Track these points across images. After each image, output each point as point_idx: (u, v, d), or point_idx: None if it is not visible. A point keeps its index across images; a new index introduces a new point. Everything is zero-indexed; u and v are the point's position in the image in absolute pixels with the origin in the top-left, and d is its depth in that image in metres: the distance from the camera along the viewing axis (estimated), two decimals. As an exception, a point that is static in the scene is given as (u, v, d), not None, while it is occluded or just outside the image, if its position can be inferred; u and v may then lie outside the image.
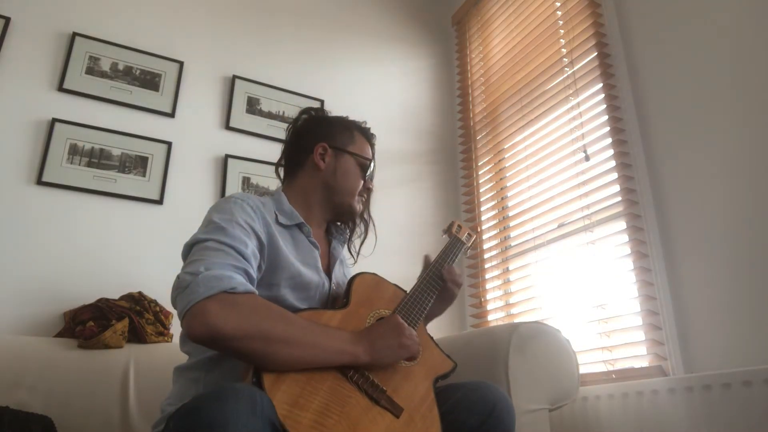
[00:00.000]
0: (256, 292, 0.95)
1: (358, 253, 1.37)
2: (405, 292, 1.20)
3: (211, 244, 0.97)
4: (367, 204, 1.37)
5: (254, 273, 1.01)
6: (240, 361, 0.93)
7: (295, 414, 0.83)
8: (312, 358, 0.91)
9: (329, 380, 0.92)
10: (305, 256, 1.16)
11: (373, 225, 1.40)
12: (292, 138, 1.33)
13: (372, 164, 1.31)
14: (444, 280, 1.26)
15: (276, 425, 0.79)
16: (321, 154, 1.26)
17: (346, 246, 1.36)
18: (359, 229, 1.38)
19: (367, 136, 1.35)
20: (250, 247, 1.01)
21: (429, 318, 1.31)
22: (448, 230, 1.41)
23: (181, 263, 1.00)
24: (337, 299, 1.17)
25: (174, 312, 1.54)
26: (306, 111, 1.35)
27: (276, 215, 1.16)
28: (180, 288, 0.91)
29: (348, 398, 0.91)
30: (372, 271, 1.22)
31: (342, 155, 1.27)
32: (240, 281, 0.92)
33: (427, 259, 1.34)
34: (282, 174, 1.34)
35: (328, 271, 1.23)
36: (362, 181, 1.29)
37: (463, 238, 1.39)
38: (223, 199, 1.12)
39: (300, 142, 1.30)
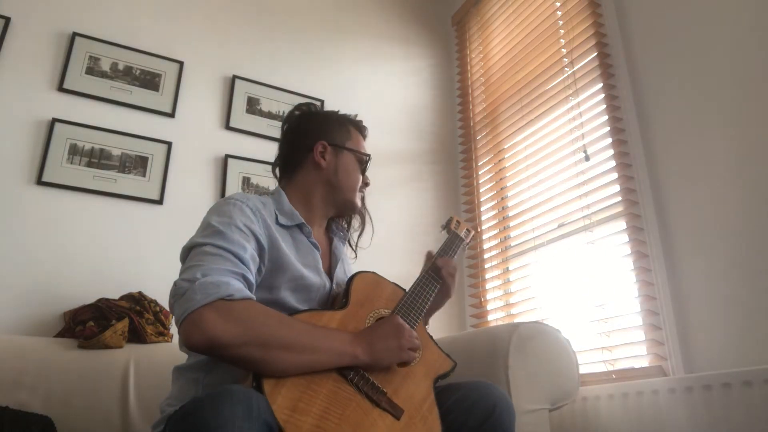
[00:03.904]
0: (254, 298, 0.95)
1: (357, 246, 1.37)
2: (404, 290, 1.20)
3: (209, 249, 0.96)
4: (364, 198, 1.38)
5: (252, 278, 1.00)
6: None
7: (295, 419, 0.83)
8: (312, 362, 0.91)
9: (329, 383, 0.91)
10: (306, 257, 1.15)
11: (370, 217, 1.39)
12: (288, 136, 1.32)
13: (369, 158, 1.32)
14: (439, 272, 1.25)
15: (273, 427, 0.78)
16: (321, 153, 1.25)
17: (347, 242, 1.36)
18: (356, 222, 1.38)
19: (361, 129, 1.35)
20: (249, 251, 1.00)
21: (429, 313, 1.30)
22: (446, 226, 1.41)
23: (180, 265, 1.00)
24: (336, 299, 1.17)
25: (174, 312, 1.54)
26: (298, 107, 1.34)
27: (276, 216, 1.15)
28: (177, 295, 0.90)
29: (348, 401, 0.91)
30: (371, 270, 1.22)
31: (341, 152, 1.27)
32: (237, 287, 0.92)
33: (429, 255, 1.34)
34: (279, 173, 1.33)
35: (330, 272, 1.23)
36: (361, 177, 1.30)
37: (462, 233, 1.39)
38: (222, 201, 1.10)
39: (298, 140, 1.29)
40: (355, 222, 1.39)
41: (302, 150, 1.27)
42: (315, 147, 1.25)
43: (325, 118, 1.33)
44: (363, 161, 1.30)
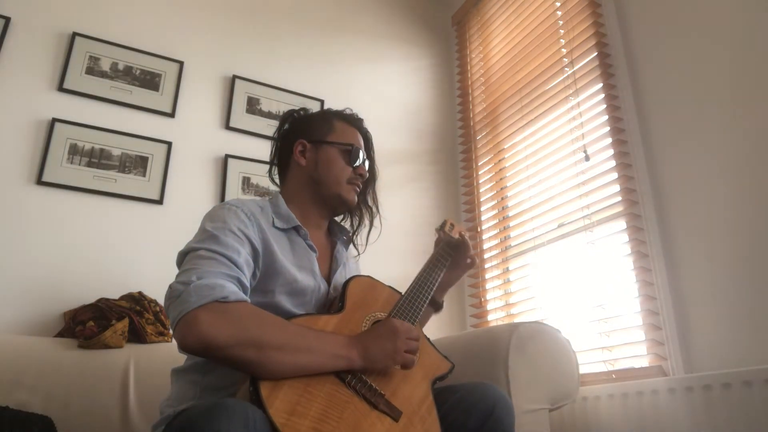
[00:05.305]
0: (249, 301, 0.95)
1: (366, 243, 1.35)
2: (400, 294, 1.19)
3: (203, 253, 0.97)
4: (365, 192, 1.34)
5: (247, 281, 1.00)
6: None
7: (293, 422, 0.82)
8: (306, 364, 0.91)
9: (327, 386, 0.91)
10: (301, 260, 1.15)
11: (378, 212, 1.37)
12: (276, 142, 1.33)
13: (355, 148, 1.25)
14: (447, 249, 1.31)
15: None
16: (301, 151, 1.25)
17: (351, 245, 1.35)
18: (365, 220, 1.35)
19: (350, 121, 1.31)
20: (243, 255, 1.01)
21: (446, 287, 1.35)
22: (440, 229, 1.41)
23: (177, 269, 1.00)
24: (333, 304, 1.16)
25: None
26: (290, 114, 1.33)
27: (273, 219, 1.15)
28: (172, 297, 0.90)
29: (346, 404, 0.91)
30: (367, 274, 1.22)
31: (321, 147, 1.25)
32: (232, 290, 0.92)
33: (438, 240, 1.38)
34: (278, 179, 1.34)
35: (328, 275, 1.22)
36: (350, 168, 1.25)
37: (456, 237, 1.39)
38: (217, 206, 1.11)
39: (282, 144, 1.31)
40: (357, 219, 1.37)
41: (286, 153, 1.28)
42: (294, 147, 1.25)
43: (306, 117, 1.32)
44: (349, 152, 1.25)
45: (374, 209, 1.37)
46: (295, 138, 1.27)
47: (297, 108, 1.35)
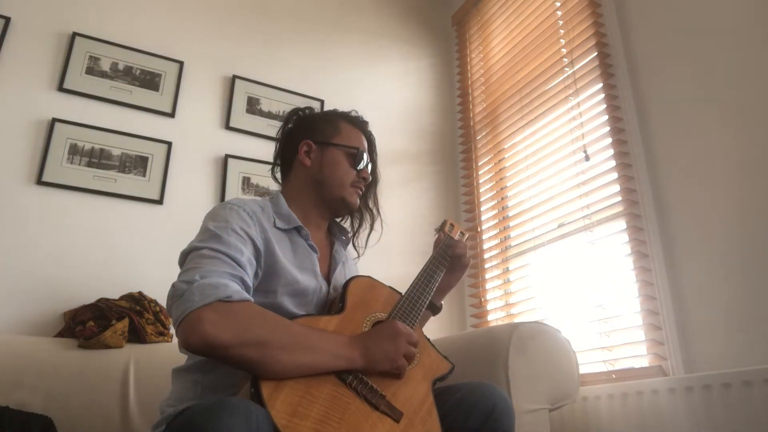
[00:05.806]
0: (252, 300, 0.95)
1: (366, 246, 1.35)
2: (400, 294, 1.19)
3: (206, 252, 0.97)
4: (367, 194, 1.34)
5: (250, 281, 1.00)
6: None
7: (294, 423, 0.82)
8: (308, 363, 0.91)
9: (328, 387, 0.91)
10: (303, 260, 1.15)
11: (378, 214, 1.37)
12: (280, 141, 1.32)
13: (360, 151, 1.26)
14: (446, 253, 1.31)
15: None
16: (306, 152, 1.25)
17: (350, 245, 1.35)
18: (366, 222, 1.35)
19: (356, 123, 1.31)
20: (246, 255, 1.01)
21: (445, 289, 1.35)
22: (440, 229, 1.41)
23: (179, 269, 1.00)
24: (333, 304, 1.16)
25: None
26: (294, 112, 1.33)
27: (274, 219, 1.15)
28: (175, 296, 0.90)
29: (347, 405, 0.91)
30: (367, 274, 1.22)
31: (327, 148, 1.24)
32: (236, 289, 0.92)
33: (437, 240, 1.37)
34: (280, 177, 1.33)
35: (328, 275, 1.22)
36: (354, 171, 1.25)
37: (456, 236, 1.39)
38: (219, 206, 1.11)
39: (287, 143, 1.30)
40: (365, 222, 1.37)
41: (291, 152, 1.27)
42: (300, 147, 1.25)
43: (312, 117, 1.32)
44: (353, 155, 1.25)
45: (375, 212, 1.37)
46: (301, 138, 1.26)
47: (302, 107, 1.35)
